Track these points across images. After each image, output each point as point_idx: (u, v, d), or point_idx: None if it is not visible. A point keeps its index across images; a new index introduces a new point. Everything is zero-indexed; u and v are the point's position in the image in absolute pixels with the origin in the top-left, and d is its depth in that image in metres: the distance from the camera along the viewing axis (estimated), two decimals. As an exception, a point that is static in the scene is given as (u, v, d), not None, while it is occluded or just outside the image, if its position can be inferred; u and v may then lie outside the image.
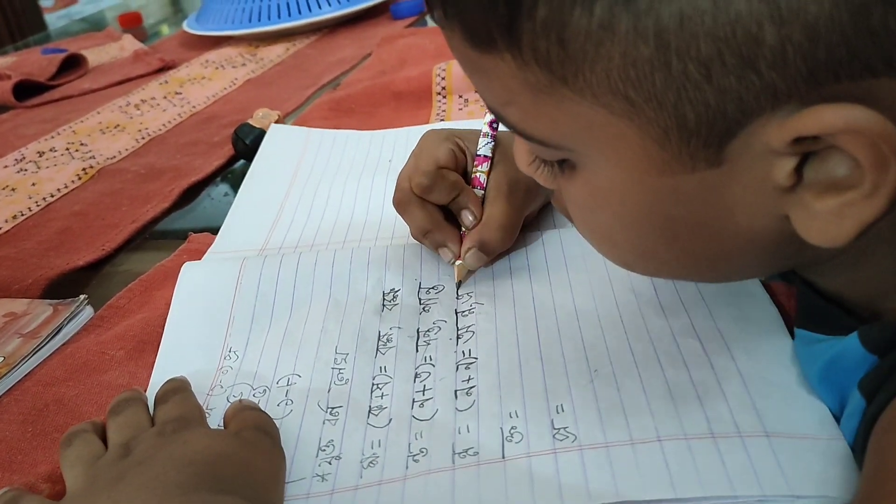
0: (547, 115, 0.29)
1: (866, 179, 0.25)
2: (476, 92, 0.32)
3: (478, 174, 0.49)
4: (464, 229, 0.49)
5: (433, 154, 0.49)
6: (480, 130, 0.50)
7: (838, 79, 0.24)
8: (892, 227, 0.29)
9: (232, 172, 0.78)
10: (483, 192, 0.49)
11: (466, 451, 0.36)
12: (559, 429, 0.36)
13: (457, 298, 0.48)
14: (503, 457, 0.36)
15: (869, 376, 0.31)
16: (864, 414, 0.31)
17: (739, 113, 0.25)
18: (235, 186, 0.71)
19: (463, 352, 0.43)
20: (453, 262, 0.49)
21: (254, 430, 0.38)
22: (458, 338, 0.44)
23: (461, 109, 0.79)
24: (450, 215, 0.50)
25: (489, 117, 0.50)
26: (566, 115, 0.28)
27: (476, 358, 0.42)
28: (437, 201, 0.49)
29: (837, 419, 0.34)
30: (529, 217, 0.54)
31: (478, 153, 0.50)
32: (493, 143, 0.49)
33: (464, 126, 0.54)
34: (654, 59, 0.24)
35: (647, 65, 0.25)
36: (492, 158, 0.49)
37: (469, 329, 0.45)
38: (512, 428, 0.37)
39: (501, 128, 0.50)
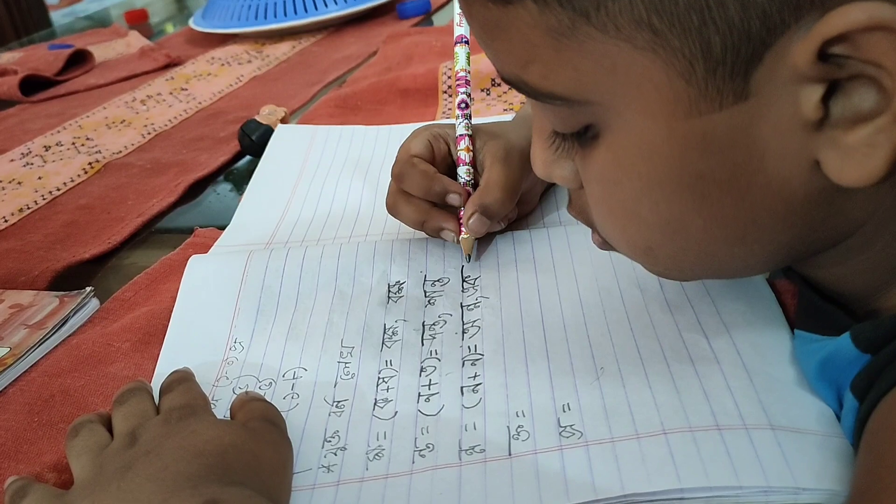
0: (570, 63, 0.28)
1: (893, 97, 0.24)
2: (492, 63, 0.32)
3: (460, 153, 0.51)
4: (458, 209, 0.50)
5: (406, 146, 0.51)
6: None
7: None
8: (888, 219, 0.29)
9: (237, 168, 0.78)
10: (467, 167, 0.50)
11: (473, 448, 0.36)
12: (565, 426, 0.36)
13: (462, 291, 0.48)
14: (510, 454, 0.36)
15: (860, 376, 0.31)
16: (858, 413, 0.31)
17: (764, 30, 0.25)
18: (241, 182, 0.72)
19: (469, 347, 0.43)
20: (456, 241, 0.49)
21: (261, 421, 0.38)
22: (463, 332, 0.44)
23: (467, 107, 0.79)
24: (442, 206, 0.51)
25: (458, 99, 0.52)
26: (589, 60, 0.28)
27: (482, 354, 0.42)
28: (414, 191, 0.50)
29: (838, 416, 0.34)
30: (530, 204, 0.55)
31: (457, 134, 0.51)
32: (466, 122, 0.51)
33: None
34: None
35: None
36: (471, 136, 0.51)
37: (475, 324, 0.45)
38: (519, 426, 0.37)
39: (476, 120, 0.52)
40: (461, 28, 0.54)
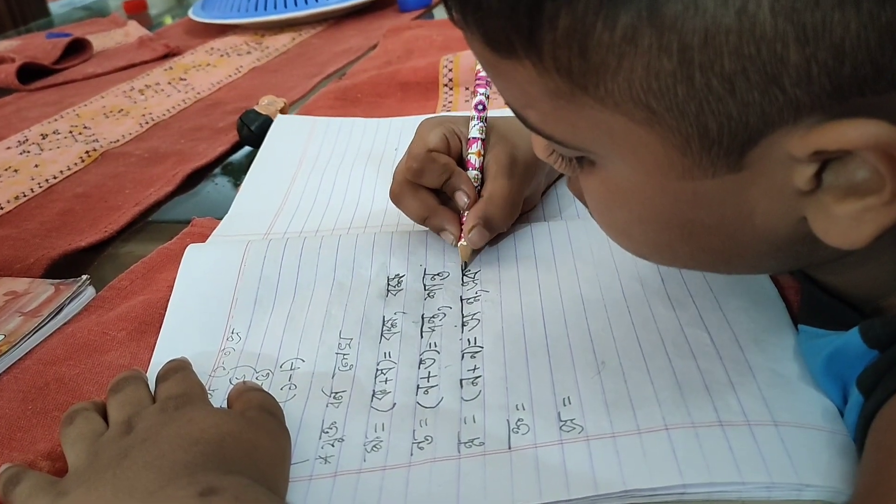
0: (566, 119, 0.29)
1: (887, 187, 0.25)
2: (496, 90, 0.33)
3: (470, 156, 0.50)
4: (462, 211, 0.49)
5: (424, 139, 0.50)
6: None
7: (862, 93, 0.24)
8: (888, 241, 0.29)
9: (236, 159, 0.77)
10: (476, 172, 0.50)
11: (472, 440, 0.36)
12: (566, 420, 0.36)
13: (462, 285, 0.47)
14: (509, 447, 0.35)
15: (867, 372, 0.31)
16: (862, 409, 0.31)
17: (762, 124, 0.25)
18: (239, 173, 0.71)
19: (468, 340, 0.43)
20: (456, 245, 0.49)
21: (259, 411, 0.37)
22: (463, 325, 0.44)
23: (468, 101, 0.79)
24: (447, 201, 0.50)
25: (476, 100, 0.51)
26: (586, 121, 0.28)
27: (482, 347, 0.42)
28: (429, 184, 0.49)
29: (841, 412, 0.34)
30: (532, 202, 0.54)
31: (469, 136, 0.50)
32: (481, 125, 0.50)
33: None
34: (676, 72, 0.24)
35: (669, 78, 0.25)
36: (484, 140, 0.50)
37: (474, 317, 0.44)
38: (518, 420, 0.37)
39: (491, 112, 0.52)
40: None
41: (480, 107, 0.51)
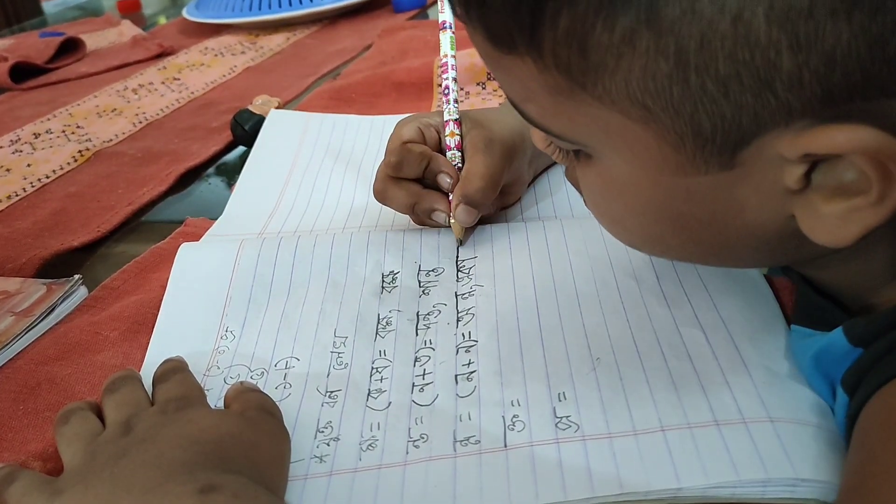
0: (565, 115, 0.30)
1: (873, 189, 0.25)
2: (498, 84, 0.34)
3: (447, 139, 0.51)
4: (447, 192, 0.50)
5: (398, 134, 0.51)
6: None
7: (852, 99, 0.25)
8: (890, 225, 0.29)
9: (229, 160, 0.77)
10: (455, 152, 0.50)
11: (468, 438, 0.36)
12: (561, 417, 0.36)
13: (457, 280, 0.47)
14: (505, 445, 0.35)
15: (851, 370, 0.31)
16: (848, 408, 0.31)
17: (754, 125, 0.26)
18: (233, 174, 0.71)
19: (463, 334, 0.43)
20: (448, 223, 0.50)
21: (258, 411, 0.37)
22: (458, 320, 0.44)
23: (463, 101, 0.79)
24: (430, 188, 0.51)
25: (442, 85, 0.52)
26: (584, 117, 0.29)
27: (476, 341, 0.42)
28: (410, 175, 0.50)
29: (833, 410, 0.34)
30: (517, 191, 0.55)
31: (445, 120, 0.51)
32: (451, 107, 0.51)
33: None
34: (672, 74, 0.25)
35: (665, 79, 0.25)
36: (458, 121, 0.51)
37: (469, 311, 0.44)
38: (514, 416, 0.37)
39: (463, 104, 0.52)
40: (445, 14, 0.54)
41: (447, 90, 0.52)
